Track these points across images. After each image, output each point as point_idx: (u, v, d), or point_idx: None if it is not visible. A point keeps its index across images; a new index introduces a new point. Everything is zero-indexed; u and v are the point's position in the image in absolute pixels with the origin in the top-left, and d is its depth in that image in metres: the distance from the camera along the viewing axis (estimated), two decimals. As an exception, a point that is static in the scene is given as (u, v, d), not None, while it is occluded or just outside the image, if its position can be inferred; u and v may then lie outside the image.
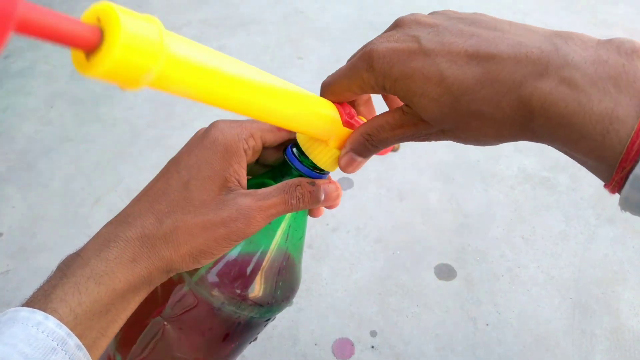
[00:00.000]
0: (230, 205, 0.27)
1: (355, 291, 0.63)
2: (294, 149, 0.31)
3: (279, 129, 0.30)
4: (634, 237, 0.66)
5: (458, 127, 0.25)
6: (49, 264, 0.67)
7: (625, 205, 0.23)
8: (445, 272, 0.64)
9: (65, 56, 1.05)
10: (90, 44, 0.18)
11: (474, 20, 0.26)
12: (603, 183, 0.24)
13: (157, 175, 0.30)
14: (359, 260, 0.66)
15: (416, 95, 0.25)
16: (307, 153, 0.30)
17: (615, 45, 0.22)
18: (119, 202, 0.74)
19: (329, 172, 0.32)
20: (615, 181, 0.22)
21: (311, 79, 0.93)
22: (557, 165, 0.76)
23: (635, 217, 0.74)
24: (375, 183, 0.74)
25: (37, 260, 0.67)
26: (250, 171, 0.31)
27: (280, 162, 0.32)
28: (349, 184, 0.74)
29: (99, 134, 0.87)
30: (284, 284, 0.34)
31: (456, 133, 0.26)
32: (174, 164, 0.29)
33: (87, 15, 0.19)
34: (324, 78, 0.30)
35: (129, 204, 0.29)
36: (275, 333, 0.59)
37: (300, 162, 0.31)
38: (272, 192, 0.28)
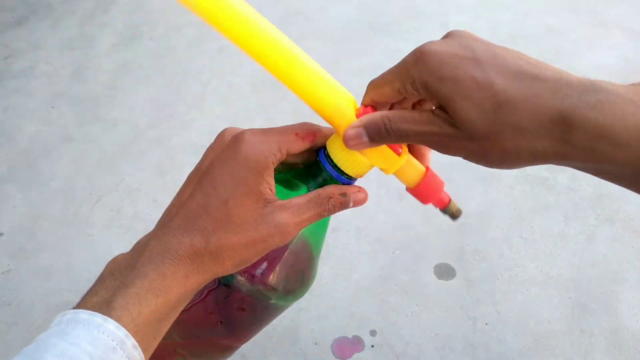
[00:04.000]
0: (269, 221, 0.29)
1: (355, 291, 0.63)
2: (327, 153, 0.32)
3: (303, 139, 0.32)
4: (633, 237, 0.67)
5: (489, 137, 0.26)
6: (50, 263, 0.67)
7: None
8: (444, 272, 0.64)
9: (66, 56, 1.05)
10: None
11: (521, 52, 0.29)
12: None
13: (189, 184, 0.31)
14: (359, 260, 0.66)
15: (460, 97, 0.26)
16: (335, 161, 0.32)
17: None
18: (120, 202, 0.74)
19: (357, 179, 0.33)
20: None
21: (311, 79, 0.92)
22: (556, 166, 0.76)
23: (635, 217, 0.74)
24: (375, 183, 0.74)
25: (38, 260, 0.68)
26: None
27: (312, 163, 0.33)
28: (349, 184, 0.74)
29: (100, 134, 0.87)
30: (297, 275, 0.35)
31: (485, 145, 0.27)
32: (209, 177, 0.30)
33: None
34: (323, 78, 0.31)
35: (169, 214, 0.30)
36: (276, 332, 0.59)
37: (332, 167, 0.32)
38: (307, 205, 0.30)
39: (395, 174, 0.33)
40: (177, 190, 0.31)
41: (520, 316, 0.59)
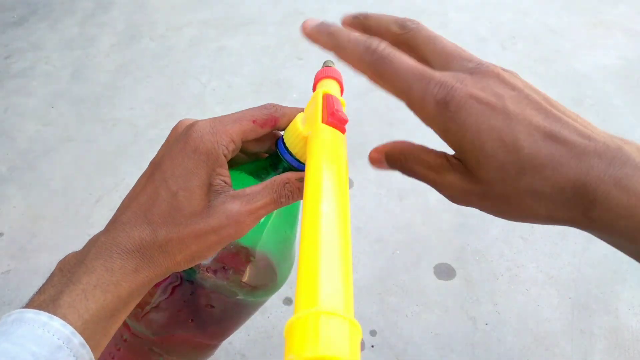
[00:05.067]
0: (220, 211, 0.28)
1: (355, 291, 0.63)
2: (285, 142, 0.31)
3: (262, 126, 0.30)
4: (633, 237, 0.67)
5: (508, 198, 0.25)
6: (50, 263, 0.67)
7: None
8: (444, 272, 0.64)
9: (66, 56, 1.05)
10: None
11: (546, 97, 0.27)
12: None
13: (142, 178, 0.30)
14: (359, 260, 0.66)
15: (483, 154, 0.25)
16: (292, 150, 0.30)
17: None
18: (120, 201, 0.74)
19: None
20: None
21: (311, 79, 0.92)
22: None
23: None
24: (375, 183, 0.74)
25: (38, 260, 0.68)
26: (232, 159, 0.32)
27: (273, 153, 0.32)
28: (349, 184, 0.74)
29: (100, 134, 0.87)
30: (265, 269, 0.34)
31: (501, 204, 0.26)
32: (159, 170, 0.29)
33: None
34: (323, 79, 0.30)
35: (121, 208, 0.30)
36: (275, 333, 0.59)
37: (292, 156, 0.31)
38: (261, 192, 0.29)
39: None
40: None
41: (520, 316, 0.59)
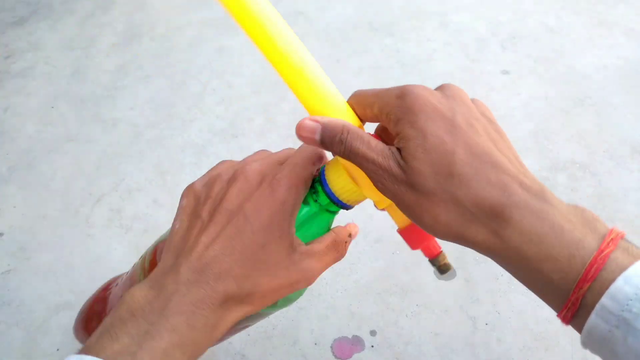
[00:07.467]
0: (299, 268, 0.30)
1: (355, 291, 0.63)
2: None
3: (314, 163, 0.33)
4: (633, 237, 0.66)
5: (430, 197, 0.26)
6: (50, 263, 0.67)
7: (588, 340, 0.24)
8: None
9: (66, 57, 1.05)
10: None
11: (499, 132, 0.29)
12: (556, 307, 0.26)
13: (216, 223, 0.29)
14: (359, 260, 0.66)
15: (420, 149, 0.26)
16: (331, 187, 0.32)
17: (580, 209, 0.26)
18: (120, 202, 0.74)
19: (352, 206, 0.34)
20: (571, 302, 0.24)
21: (311, 79, 0.92)
22: (556, 165, 0.76)
23: (635, 217, 0.73)
24: (375, 183, 0.74)
25: (38, 260, 0.68)
26: None
27: (315, 179, 0.33)
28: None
29: (100, 134, 0.87)
30: None
31: (422, 203, 0.26)
32: (247, 222, 0.29)
33: None
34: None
35: (202, 255, 0.28)
36: (275, 333, 0.59)
37: (331, 190, 0.32)
38: (326, 252, 0.32)
39: (387, 209, 0.33)
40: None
41: (520, 316, 0.59)
